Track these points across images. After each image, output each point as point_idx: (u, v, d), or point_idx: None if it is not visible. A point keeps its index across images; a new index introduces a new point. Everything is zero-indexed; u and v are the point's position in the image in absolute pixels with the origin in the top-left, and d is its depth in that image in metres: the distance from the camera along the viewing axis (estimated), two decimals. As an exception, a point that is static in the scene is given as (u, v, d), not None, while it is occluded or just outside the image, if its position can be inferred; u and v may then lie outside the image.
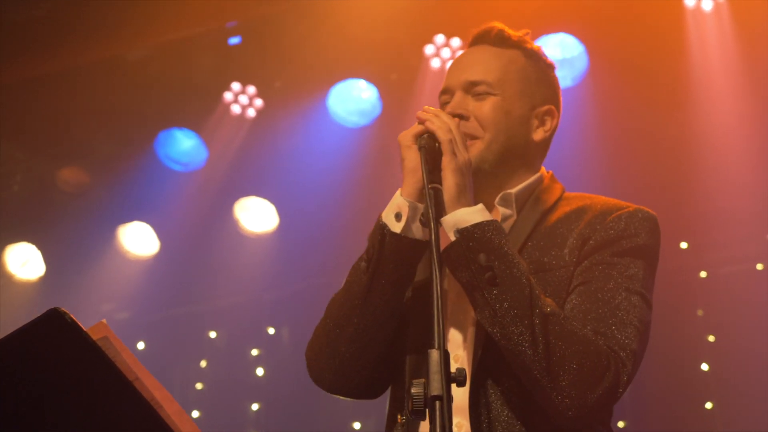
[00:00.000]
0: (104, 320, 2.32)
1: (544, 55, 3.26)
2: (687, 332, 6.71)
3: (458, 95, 3.07)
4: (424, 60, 6.92)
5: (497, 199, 3.02)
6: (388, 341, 2.92)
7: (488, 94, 3.05)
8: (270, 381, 7.91)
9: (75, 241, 7.87)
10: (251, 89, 7.29)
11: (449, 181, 2.75)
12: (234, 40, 7.15)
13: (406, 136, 2.86)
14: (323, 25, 6.86)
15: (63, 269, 8.00)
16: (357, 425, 7.52)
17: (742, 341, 6.54)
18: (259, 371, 7.97)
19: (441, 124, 2.81)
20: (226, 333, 8.20)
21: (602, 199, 3.05)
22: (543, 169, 3.17)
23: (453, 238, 2.73)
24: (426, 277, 2.89)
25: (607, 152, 6.77)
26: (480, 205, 2.77)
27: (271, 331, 8.08)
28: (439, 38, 6.89)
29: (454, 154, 2.78)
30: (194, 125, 7.38)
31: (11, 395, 2.22)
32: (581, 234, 2.91)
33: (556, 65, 3.31)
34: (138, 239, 7.90)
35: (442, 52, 6.89)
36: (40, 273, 8.07)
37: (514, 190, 3.02)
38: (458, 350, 2.90)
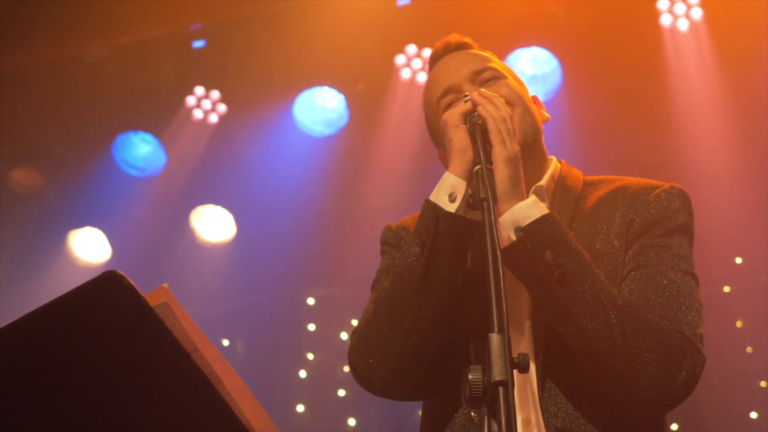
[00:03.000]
0: (166, 285, 2.18)
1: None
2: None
3: (467, 87, 3.02)
4: (394, 70, 6.83)
5: (530, 193, 2.92)
6: (447, 331, 2.79)
7: (497, 77, 3.06)
8: (224, 394, 7.69)
9: (23, 244, 7.61)
10: (215, 94, 7.11)
11: (502, 174, 2.66)
12: (198, 44, 6.98)
13: (454, 115, 2.78)
14: (291, 32, 6.74)
15: (8, 274, 7.72)
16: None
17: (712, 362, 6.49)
18: (213, 384, 7.75)
19: (495, 113, 2.72)
20: (179, 344, 7.97)
21: (632, 180, 3.06)
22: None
23: (513, 236, 2.63)
24: (475, 263, 2.79)
25: (580, 167, 6.69)
26: (533, 197, 2.69)
27: (226, 343, 7.88)
28: (411, 48, 6.79)
29: (504, 144, 2.68)
30: (154, 129, 7.19)
31: (62, 360, 2.07)
32: (624, 217, 2.91)
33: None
34: (89, 245, 7.66)
35: (413, 62, 6.80)
36: (-20, 276, 7.79)
37: (543, 182, 2.99)
38: (515, 343, 2.80)
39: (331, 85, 6.99)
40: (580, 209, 2.97)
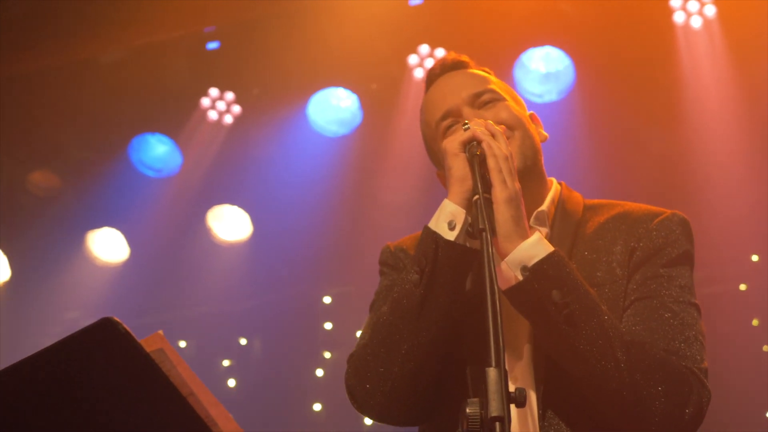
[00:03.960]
0: (161, 331, 2.19)
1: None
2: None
3: (467, 111, 3.02)
4: (407, 70, 6.83)
5: (532, 219, 2.97)
6: (444, 358, 2.79)
7: (496, 100, 3.04)
8: (241, 393, 7.75)
9: (43, 245, 7.69)
10: (229, 95, 7.15)
11: (504, 214, 2.65)
12: (212, 45, 7.02)
13: (454, 143, 2.77)
14: (304, 32, 6.75)
15: (29, 274, 7.81)
16: (330, 438, 7.41)
17: (725, 362, 6.48)
18: (231, 382, 7.81)
19: (496, 150, 2.72)
20: (196, 343, 8.02)
21: (633, 206, 3.06)
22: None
23: (519, 276, 2.63)
24: (476, 291, 2.78)
25: (593, 167, 6.71)
26: (537, 235, 2.69)
27: (243, 341, 7.93)
28: (424, 48, 6.79)
29: (504, 183, 2.67)
30: (169, 131, 7.24)
31: (59, 405, 2.10)
32: (626, 244, 2.91)
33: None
34: (108, 245, 7.72)
35: (425, 62, 6.79)
36: (4, 278, 7.86)
37: (545, 207, 3.00)
38: (515, 371, 2.81)
39: (344, 85, 7.00)
40: (580, 235, 2.97)
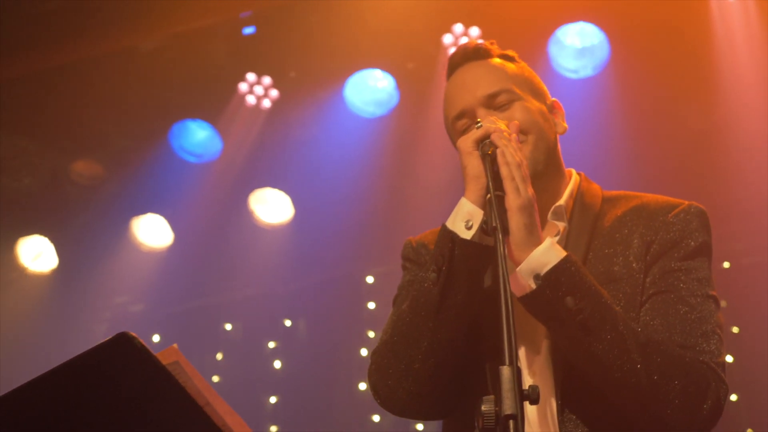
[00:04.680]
0: (175, 345, 2.27)
1: (518, 57, 3.24)
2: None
3: (481, 112, 3.02)
4: (442, 49, 6.84)
5: (550, 213, 2.99)
6: (464, 354, 2.84)
7: (512, 100, 3.03)
8: (287, 374, 7.85)
9: (88, 233, 7.80)
10: (266, 80, 7.20)
11: (518, 222, 2.67)
12: (248, 30, 7.06)
13: (467, 142, 2.80)
14: (339, 14, 6.78)
15: (76, 262, 7.94)
16: (376, 418, 7.46)
17: (766, 332, 6.47)
18: (277, 364, 7.91)
19: (510, 158, 2.73)
20: (242, 325, 8.14)
21: (651, 197, 3.07)
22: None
23: (532, 284, 2.66)
24: (494, 288, 2.79)
25: (628, 142, 6.71)
26: (549, 241, 2.70)
27: (288, 323, 8.02)
28: (458, 27, 6.80)
29: (517, 191, 2.69)
30: (209, 116, 7.30)
31: (78, 420, 2.17)
32: (643, 238, 2.92)
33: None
34: (152, 231, 7.84)
35: (460, 41, 6.80)
36: (52, 266, 8.01)
37: (563, 201, 3.01)
38: (534, 367, 2.85)
39: (380, 65, 7.03)
40: (598, 228, 2.99)
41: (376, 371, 2.90)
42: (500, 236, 2.54)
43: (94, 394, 2.16)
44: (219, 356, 8.10)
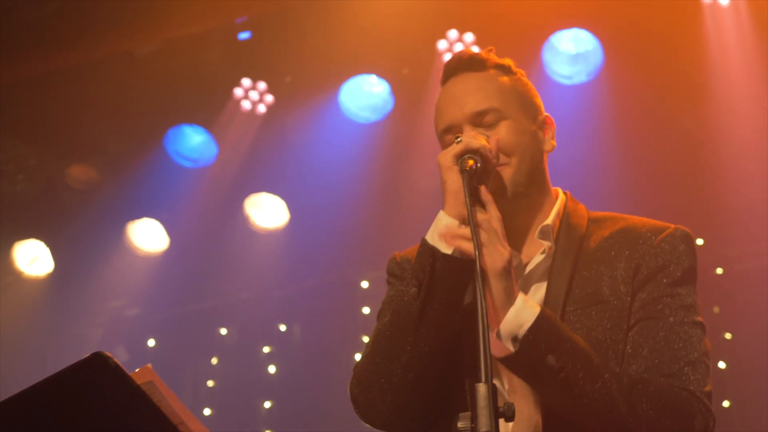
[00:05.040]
0: (149, 365, 2.29)
1: (515, 66, 3.19)
2: (704, 330, 6.65)
3: (467, 130, 3.00)
4: (437, 55, 6.85)
5: (537, 233, 3.00)
6: (443, 368, 2.86)
7: (499, 120, 3.01)
8: (282, 379, 7.86)
9: (84, 237, 7.81)
10: (261, 85, 7.21)
11: (496, 286, 2.69)
12: (244, 36, 7.09)
13: (447, 157, 2.80)
14: (334, 20, 6.80)
15: (72, 266, 7.95)
16: (370, 424, 7.46)
17: (759, 338, 6.49)
18: (271, 369, 7.92)
19: (484, 216, 2.74)
20: (237, 330, 8.15)
21: (637, 220, 3.05)
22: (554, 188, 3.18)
23: (511, 347, 2.67)
24: (473, 303, 2.79)
25: (622, 148, 6.72)
26: (521, 298, 2.71)
27: (283, 328, 8.03)
28: (452, 33, 6.81)
29: (494, 255, 2.69)
30: (204, 121, 7.31)
31: None
32: (630, 261, 2.92)
33: (524, 72, 3.23)
34: (148, 236, 7.85)
35: (455, 47, 6.82)
36: (48, 270, 8.01)
37: (550, 221, 3.01)
38: (514, 382, 2.84)
39: (375, 70, 7.04)
40: (584, 249, 2.99)
41: (357, 385, 2.91)
42: (477, 253, 2.57)
43: (69, 414, 2.16)
44: (214, 360, 8.12)
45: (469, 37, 6.78)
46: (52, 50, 7.01)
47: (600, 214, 3.13)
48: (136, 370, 2.24)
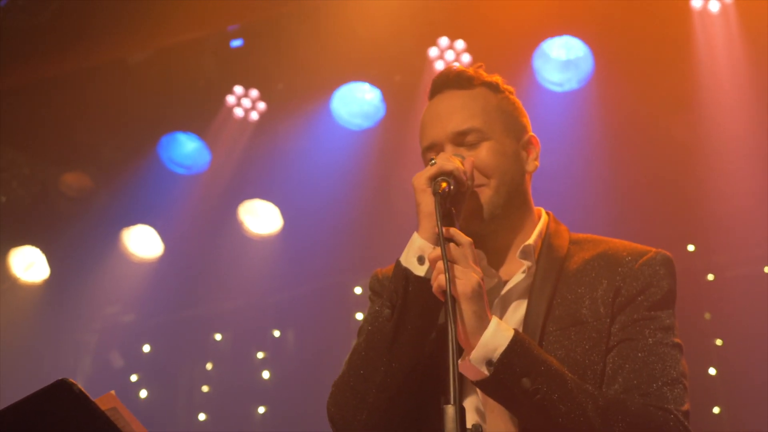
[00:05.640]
0: (113, 392, 2.30)
1: (504, 83, 3.20)
2: (694, 336, 6.65)
3: (449, 149, 3.03)
4: (428, 62, 6.87)
5: (518, 252, 3.02)
6: (417, 388, 2.87)
7: (480, 141, 3.04)
8: (276, 384, 7.90)
9: (79, 244, 7.85)
10: (254, 93, 7.24)
11: (467, 311, 2.68)
12: (236, 43, 7.11)
13: (421, 180, 2.84)
14: (326, 27, 6.82)
15: (67, 272, 7.99)
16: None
17: (750, 345, 6.50)
18: (265, 374, 7.95)
19: (455, 250, 2.73)
20: (232, 336, 8.19)
21: (618, 243, 3.08)
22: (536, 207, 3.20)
23: (485, 371, 2.67)
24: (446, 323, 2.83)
25: (613, 155, 6.73)
26: (494, 321, 2.71)
27: (277, 333, 8.06)
28: (443, 41, 6.84)
29: (464, 279, 2.69)
30: (197, 129, 7.35)
31: None
32: (610, 283, 2.95)
33: (513, 89, 3.24)
34: (142, 242, 7.88)
35: (446, 54, 6.84)
36: (44, 276, 8.05)
37: (531, 241, 3.04)
38: (489, 403, 2.85)
39: (367, 77, 7.06)
40: (565, 270, 3.01)
41: (334, 404, 2.94)
42: (448, 275, 2.59)
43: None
44: (209, 366, 8.15)
45: (460, 44, 6.81)
46: (46, 58, 7.03)
47: (581, 236, 3.16)
48: (100, 397, 2.25)
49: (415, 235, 2.84)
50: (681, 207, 6.75)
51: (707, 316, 6.79)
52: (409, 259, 2.82)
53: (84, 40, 6.98)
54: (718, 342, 6.72)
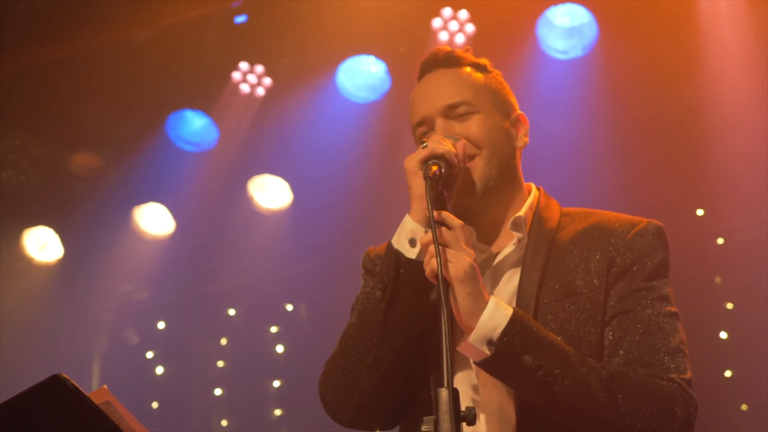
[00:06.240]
0: (105, 386, 2.33)
1: (491, 66, 3.24)
2: (705, 300, 6.67)
3: (439, 122, 3.06)
4: (432, 33, 6.85)
5: (509, 224, 3.03)
6: (408, 369, 2.91)
7: (470, 113, 3.07)
8: (290, 358, 7.94)
9: (92, 223, 7.89)
10: (259, 68, 7.24)
11: (461, 292, 2.69)
12: (240, 19, 7.09)
13: (412, 163, 2.85)
14: (329, 1, 6.80)
15: (81, 251, 8.03)
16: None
17: (760, 308, 6.50)
18: (279, 348, 7.99)
19: (447, 233, 2.74)
20: (245, 310, 8.23)
21: (610, 215, 3.10)
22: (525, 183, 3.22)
23: (486, 351, 2.68)
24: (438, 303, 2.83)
25: (619, 121, 6.71)
26: (493, 301, 2.72)
27: (290, 307, 8.10)
28: (447, 11, 6.81)
29: (457, 260, 2.70)
30: (204, 106, 7.35)
31: None
32: (604, 255, 2.96)
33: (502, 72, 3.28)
34: (154, 220, 7.92)
35: (449, 24, 6.82)
36: (58, 256, 8.10)
37: (522, 213, 3.05)
38: (489, 384, 2.87)
39: (371, 50, 7.05)
40: (557, 241, 3.03)
41: (325, 383, 2.99)
42: (440, 259, 2.61)
43: (30, 434, 2.21)
44: (223, 341, 8.20)
45: (463, 14, 6.78)
46: (52, 40, 7.06)
47: (572, 209, 3.17)
48: (93, 392, 2.28)
49: (407, 218, 2.86)
50: (689, 172, 6.73)
51: (718, 280, 6.78)
52: (400, 242, 2.84)
53: (89, 22, 6.99)
54: (729, 306, 6.73)
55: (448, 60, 3.19)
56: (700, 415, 2.82)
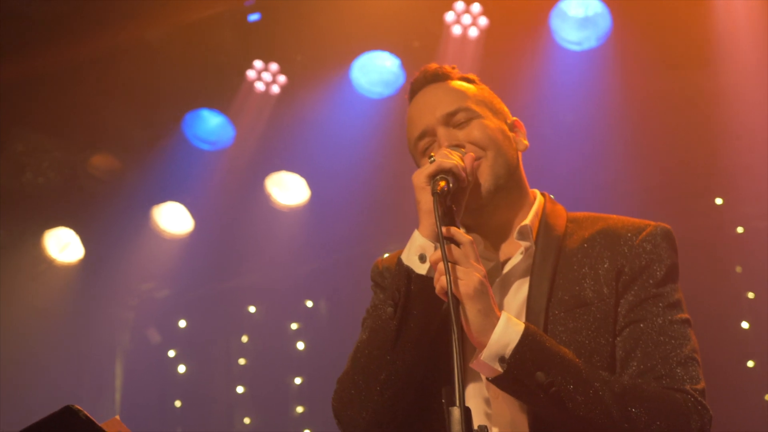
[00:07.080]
0: (117, 416, 2.33)
1: (479, 80, 3.27)
2: (726, 290, 6.63)
3: (441, 131, 3.06)
4: (445, 27, 6.83)
5: (515, 233, 3.03)
6: (421, 385, 2.91)
7: (470, 118, 3.08)
8: (311, 354, 7.95)
9: (111, 223, 7.91)
10: (274, 66, 7.23)
11: (471, 309, 2.69)
12: (253, 17, 7.09)
13: (420, 178, 2.85)
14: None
15: (102, 251, 8.06)
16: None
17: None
18: (300, 345, 8.00)
19: (456, 250, 2.74)
20: (265, 307, 8.24)
21: (616, 219, 3.09)
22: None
23: (499, 368, 2.68)
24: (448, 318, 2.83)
25: (636, 111, 6.67)
26: (504, 317, 2.71)
27: (309, 304, 8.10)
28: (459, 5, 6.79)
29: (467, 278, 2.70)
30: (220, 105, 7.35)
31: None
32: (612, 262, 2.95)
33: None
34: (173, 219, 7.94)
35: (462, 18, 6.79)
36: (79, 256, 8.13)
37: (528, 221, 3.04)
38: (501, 398, 2.86)
39: (384, 45, 7.03)
40: (564, 249, 3.02)
41: (338, 401, 2.98)
42: (449, 277, 2.61)
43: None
44: (244, 339, 8.22)
45: (476, 7, 6.77)
46: (70, 43, 7.06)
47: (579, 214, 3.16)
48: (105, 422, 2.28)
49: (416, 233, 2.87)
50: (707, 161, 6.69)
51: (738, 269, 6.74)
52: (410, 258, 2.84)
53: (105, 22, 7.00)
54: (750, 295, 6.68)
55: (437, 75, 3.22)
56: (723, 406, 2.82)
